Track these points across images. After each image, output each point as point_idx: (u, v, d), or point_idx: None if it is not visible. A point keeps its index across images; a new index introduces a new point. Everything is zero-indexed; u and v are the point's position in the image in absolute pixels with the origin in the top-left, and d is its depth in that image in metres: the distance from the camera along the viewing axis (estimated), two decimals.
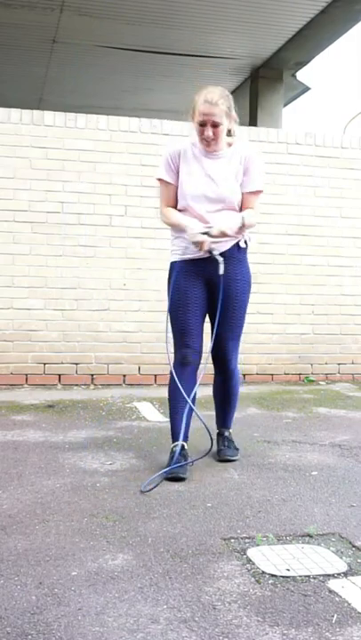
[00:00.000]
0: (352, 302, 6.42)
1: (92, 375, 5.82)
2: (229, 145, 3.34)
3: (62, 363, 5.77)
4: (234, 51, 9.95)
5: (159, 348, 5.81)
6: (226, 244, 3.27)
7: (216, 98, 3.17)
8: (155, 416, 4.57)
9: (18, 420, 4.36)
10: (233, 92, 11.67)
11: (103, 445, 3.74)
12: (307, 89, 11.74)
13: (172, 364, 3.35)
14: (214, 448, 3.44)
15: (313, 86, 11.85)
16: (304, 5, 8.39)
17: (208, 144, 3.25)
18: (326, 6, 8.36)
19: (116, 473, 3.23)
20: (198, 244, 3.18)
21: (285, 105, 11.76)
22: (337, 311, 6.39)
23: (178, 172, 3.32)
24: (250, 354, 6.04)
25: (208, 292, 3.34)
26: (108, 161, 5.86)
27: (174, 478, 3.10)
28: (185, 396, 3.23)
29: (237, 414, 4.55)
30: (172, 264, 3.38)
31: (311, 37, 9.27)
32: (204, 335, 3.40)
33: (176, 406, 3.31)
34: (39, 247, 5.73)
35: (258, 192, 3.35)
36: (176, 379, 3.28)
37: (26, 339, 5.70)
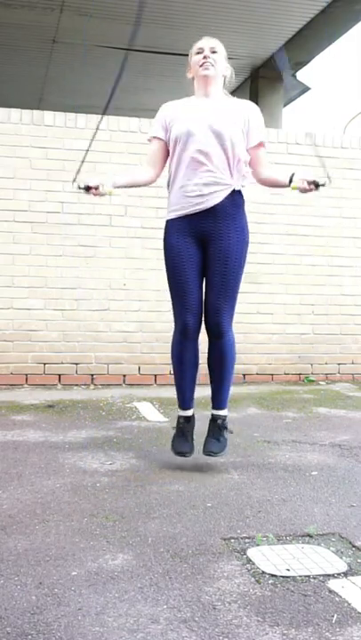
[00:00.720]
0: (352, 302, 6.42)
1: (92, 375, 5.82)
2: (224, 93, 3.37)
3: (62, 363, 5.77)
4: (234, 51, 9.94)
5: (159, 348, 5.81)
6: (214, 198, 3.17)
7: (212, 38, 3.30)
8: (155, 416, 4.58)
9: (18, 420, 4.36)
10: (233, 92, 11.60)
11: (103, 445, 3.74)
12: (307, 89, 11.75)
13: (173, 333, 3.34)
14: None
15: (313, 86, 11.86)
16: (304, 5, 8.39)
17: (205, 66, 3.24)
18: (326, 6, 8.37)
19: (116, 473, 3.23)
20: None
21: (285, 105, 11.77)
22: (337, 311, 6.39)
23: (168, 126, 3.31)
24: (250, 354, 6.04)
25: (203, 251, 3.25)
26: (108, 161, 5.86)
27: (181, 454, 3.27)
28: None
29: (237, 414, 4.56)
30: (167, 223, 3.33)
31: (311, 37, 9.28)
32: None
33: (182, 372, 3.33)
34: (39, 247, 5.73)
35: (262, 144, 3.31)
36: (179, 349, 3.29)
37: (26, 339, 5.70)
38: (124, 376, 5.87)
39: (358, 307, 6.44)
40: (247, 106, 3.32)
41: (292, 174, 3.24)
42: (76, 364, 5.79)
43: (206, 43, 3.28)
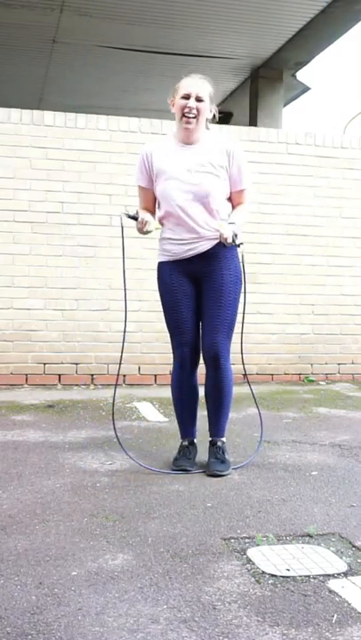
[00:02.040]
0: (352, 302, 6.42)
1: (92, 375, 5.82)
2: (208, 132, 3.28)
3: (62, 363, 5.77)
4: (234, 51, 9.94)
5: (159, 348, 5.81)
6: (204, 244, 3.20)
7: (200, 76, 3.19)
8: (155, 416, 4.57)
9: (18, 420, 4.36)
10: (233, 92, 11.68)
11: (103, 445, 3.74)
12: (307, 89, 11.74)
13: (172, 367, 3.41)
14: (205, 460, 3.32)
15: (313, 86, 11.85)
16: (304, 5, 8.38)
17: (188, 121, 3.15)
18: (326, 6, 8.35)
19: (115, 473, 3.23)
20: (141, 224, 3.18)
21: (285, 105, 11.76)
22: (337, 311, 6.39)
23: (152, 174, 3.27)
24: (250, 354, 6.03)
25: (196, 288, 3.30)
26: (108, 161, 5.86)
27: (182, 469, 3.26)
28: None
29: (237, 414, 4.56)
30: (160, 264, 3.36)
31: (311, 37, 9.27)
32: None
33: (182, 406, 3.40)
34: (39, 247, 5.73)
35: (245, 190, 3.29)
36: (178, 382, 3.37)
37: (26, 339, 5.70)
38: (124, 376, 5.87)
39: (358, 307, 6.44)
40: (230, 151, 3.22)
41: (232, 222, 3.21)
42: (76, 364, 5.79)
43: (194, 88, 3.16)
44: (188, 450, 3.37)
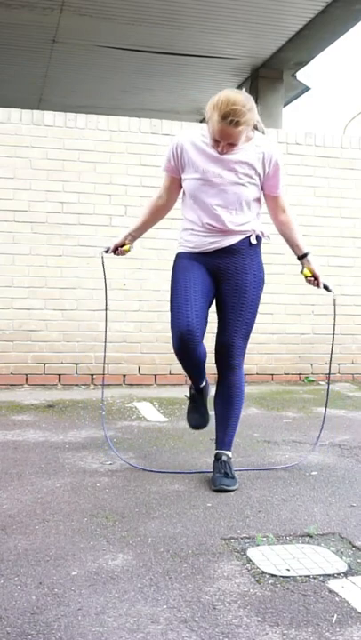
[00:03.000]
0: (352, 302, 6.42)
1: (92, 375, 5.82)
2: (248, 140, 3.01)
3: (62, 363, 5.77)
4: (234, 51, 9.95)
5: (159, 348, 5.81)
6: (230, 239, 3.06)
7: (237, 117, 2.81)
8: (155, 416, 4.57)
9: (18, 420, 4.36)
10: None
11: (103, 445, 3.74)
12: (307, 89, 11.75)
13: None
14: (209, 474, 3.17)
15: (313, 86, 11.86)
16: (304, 5, 8.39)
17: (222, 152, 2.97)
18: (326, 6, 8.36)
19: (115, 473, 3.23)
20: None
21: (285, 105, 11.77)
22: (337, 311, 6.38)
23: (180, 167, 3.09)
24: (250, 354, 6.02)
25: (214, 280, 3.12)
26: (108, 161, 5.86)
27: (196, 427, 3.35)
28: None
29: None
30: (178, 255, 3.17)
31: (311, 37, 9.28)
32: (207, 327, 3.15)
33: (189, 364, 3.14)
34: (39, 247, 5.73)
35: (280, 195, 3.16)
36: (179, 351, 3.08)
37: (26, 339, 5.70)
38: (124, 376, 5.87)
39: (358, 307, 6.44)
40: (269, 155, 3.03)
41: (308, 253, 3.28)
42: (76, 364, 5.79)
43: (224, 135, 2.85)
44: (198, 397, 3.29)
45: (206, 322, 3.10)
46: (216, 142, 2.94)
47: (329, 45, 9.65)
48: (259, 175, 3.06)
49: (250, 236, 3.10)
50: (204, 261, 3.10)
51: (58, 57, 10.21)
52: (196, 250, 3.10)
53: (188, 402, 3.40)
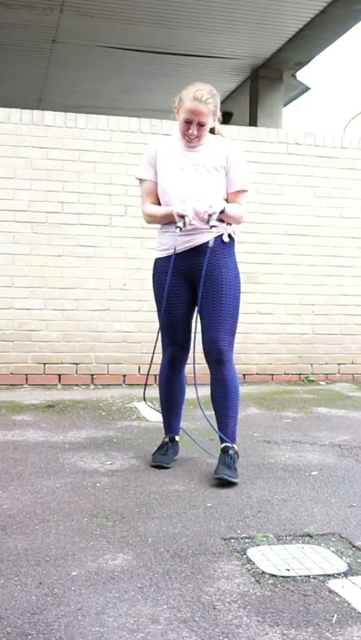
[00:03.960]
0: (352, 302, 6.42)
1: (92, 375, 5.82)
2: (212, 135, 3.29)
3: (62, 363, 5.77)
4: (234, 51, 9.94)
5: (159, 348, 5.80)
6: (204, 236, 3.18)
7: (205, 95, 3.11)
8: (155, 416, 4.57)
9: (18, 420, 4.36)
10: (233, 92, 11.68)
11: (103, 445, 3.74)
12: (307, 89, 11.74)
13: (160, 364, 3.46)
14: (209, 475, 3.24)
15: (313, 86, 11.85)
16: (304, 5, 8.38)
17: (190, 141, 3.20)
18: (326, 6, 8.35)
19: (115, 473, 3.23)
20: (181, 219, 3.09)
21: (285, 105, 11.76)
22: (337, 311, 6.39)
23: (155, 169, 3.30)
24: (250, 354, 6.04)
25: (191, 289, 3.29)
26: (108, 161, 5.86)
27: (159, 466, 3.30)
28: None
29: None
30: (156, 261, 3.36)
31: (311, 37, 9.27)
32: (192, 334, 3.34)
33: (169, 399, 3.45)
34: (39, 247, 5.73)
35: (243, 191, 3.28)
36: (166, 376, 3.42)
37: (26, 339, 5.70)
38: (124, 376, 5.87)
39: (358, 307, 6.44)
40: (230, 153, 3.24)
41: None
42: (76, 364, 5.79)
43: (196, 115, 3.12)
44: (167, 446, 3.41)
45: (190, 333, 3.36)
46: (186, 126, 3.15)
47: (329, 45, 9.64)
48: (224, 169, 3.24)
49: (222, 234, 3.23)
50: (178, 267, 3.25)
51: (58, 57, 10.21)
52: (171, 251, 3.25)
53: (158, 446, 3.48)
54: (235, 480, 3.07)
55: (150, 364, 3.50)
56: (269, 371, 6.20)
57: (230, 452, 3.18)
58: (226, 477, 3.05)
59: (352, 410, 4.95)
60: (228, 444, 3.20)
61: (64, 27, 9.05)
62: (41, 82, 11.42)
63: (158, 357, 3.53)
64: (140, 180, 3.36)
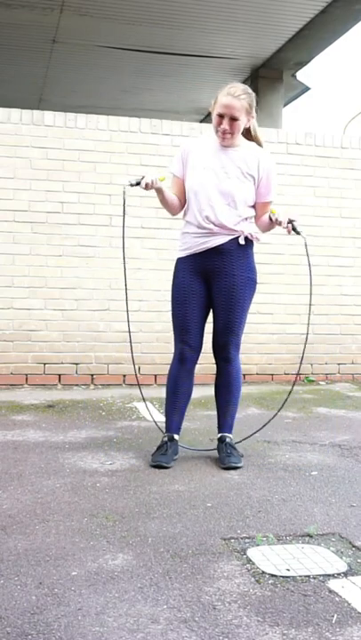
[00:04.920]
0: (352, 302, 6.42)
1: (92, 375, 5.82)
2: (248, 142, 3.38)
3: (62, 363, 5.77)
4: (234, 51, 9.95)
5: (159, 348, 5.81)
6: (220, 238, 3.31)
7: (239, 92, 3.20)
8: (155, 416, 4.57)
9: (18, 420, 4.36)
10: None
11: (103, 445, 3.74)
12: (307, 89, 11.75)
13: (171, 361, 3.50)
14: (216, 455, 3.46)
15: (313, 86, 11.86)
16: (304, 5, 8.39)
17: (223, 137, 3.26)
18: (326, 6, 8.36)
19: (115, 473, 3.23)
20: (140, 178, 3.19)
21: (285, 105, 11.77)
22: (337, 311, 6.39)
23: (186, 167, 3.39)
24: (250, 354, 6.04)
25: (208, 288, 3.40)
26: (108, 161, 5.86)
27: (158, 466, 3.31)
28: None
29: (237, 414, 4.55)
30: (177, 260, 3.46)
31: (311, 37, 9.28)
32: (205, 334, 3.46)
33: (174, 400, 3.46)
34: (39, 247, 5.73)
35: (271, 202, 3.44)
36: (175, 376, 3.45)
37: (26, 339, 5.70)
38: (124, 376, 5.87)
39: (358, 307, 6.44)
40: (263, 164, 3.34)
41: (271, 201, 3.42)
42: (76, 364, 5.79)
43: (228, 110, 3.19)
44: (166, 446, 3.41)
45: (202, 337, 3.45)
46: (219, 120, 3.20)
47: (329, 45, 9.65)
48: (254, 179, 3.34)
49: (238, 236, 3.34)
50: (196, 266, 3.37)
51: (58, 57, 10.21)
52: (190, 251, 3.37)
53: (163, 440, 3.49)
54: (241, 465, 3.33)
55: (133, 363, 3.52)
56: (269, 371, 6.20)
57: (227, 439, 3.43)
58: (233, 465, 3.30)
59: (352, 410, 4.95)
60: (226, 434, 3.45)
61: (64, 27, 9.06)
62: (41, 82, 11.43)
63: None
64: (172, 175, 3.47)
